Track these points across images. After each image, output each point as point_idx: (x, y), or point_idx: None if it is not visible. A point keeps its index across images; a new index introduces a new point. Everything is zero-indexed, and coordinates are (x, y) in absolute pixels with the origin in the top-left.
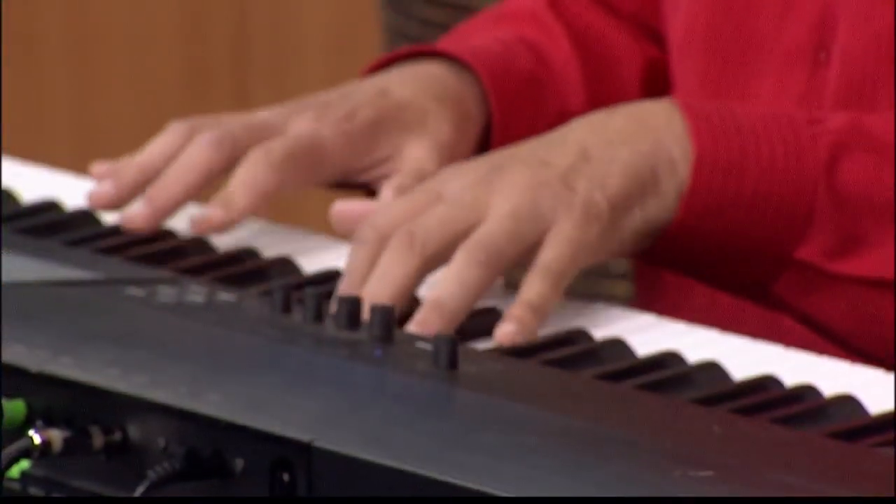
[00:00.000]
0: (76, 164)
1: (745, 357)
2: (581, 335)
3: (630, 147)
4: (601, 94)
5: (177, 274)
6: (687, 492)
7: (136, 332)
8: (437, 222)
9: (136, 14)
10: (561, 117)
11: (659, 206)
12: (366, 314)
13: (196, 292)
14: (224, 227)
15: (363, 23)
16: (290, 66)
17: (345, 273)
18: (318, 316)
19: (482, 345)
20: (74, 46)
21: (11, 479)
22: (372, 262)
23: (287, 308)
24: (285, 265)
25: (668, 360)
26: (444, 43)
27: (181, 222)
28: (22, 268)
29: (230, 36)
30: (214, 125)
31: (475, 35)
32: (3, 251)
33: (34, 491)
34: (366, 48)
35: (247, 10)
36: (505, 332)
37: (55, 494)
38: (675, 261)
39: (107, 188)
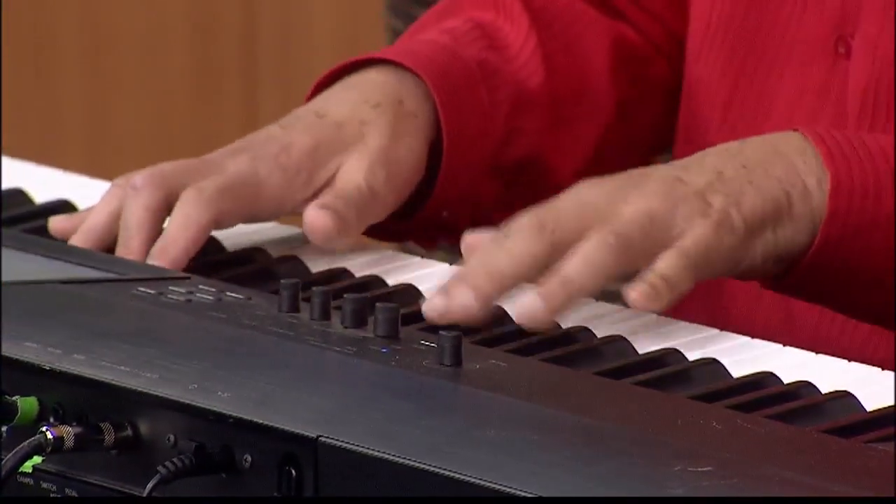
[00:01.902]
0: (89, 165)
1: (743, 354)
2: (583, 333)
3: (765, 171)
4: (563, 72)
5: (186, 273)
6: (686, 486)
7: (147, 330)
8: (568, 214)
9: (148, 18)
10: (518, 101)
11: (792, 231)
12: (484, 289)
13: (205, 291)
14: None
15: (369, 27)
16: (297, 69)
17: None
18: (325, 314)
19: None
20: (87, 50)
21: (24, 474)
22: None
23: (295, 306)
24: (293, 264)
25: (669, 357)
26: (398, 42)
27: None
28: (35, 267)
29: (239, 39)
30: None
31: (426, 28)
32: (17, 250)
33: (46, 486)
34: (371, 51)
35: (255, 14)
36: (640, 292)
37: (67, 489)
38: (811, 288)
39: None
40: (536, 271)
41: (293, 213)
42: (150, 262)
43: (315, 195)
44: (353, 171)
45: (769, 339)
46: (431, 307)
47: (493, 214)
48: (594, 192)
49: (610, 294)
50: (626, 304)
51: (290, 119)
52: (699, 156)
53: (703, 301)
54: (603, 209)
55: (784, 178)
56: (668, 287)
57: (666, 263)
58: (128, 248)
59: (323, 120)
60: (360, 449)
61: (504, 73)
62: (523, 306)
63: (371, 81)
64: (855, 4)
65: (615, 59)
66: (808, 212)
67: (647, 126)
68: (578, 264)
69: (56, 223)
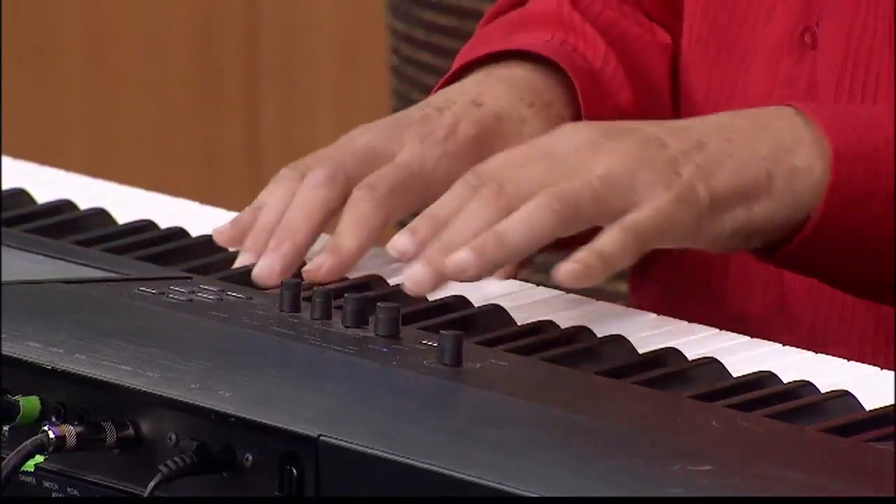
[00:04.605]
0: (91, 166)
1: (743, 354)
2: (583, 332)
3: (748, 147)
4: (642, 90)
5: (188, 273)
6: (686, 486)
7: (149, 330)
8: (530, 179)
9: (149, 18)
10: (618, 114)
11: (770, 209)
12: (424, 258)
13: (207, 290)
14: (338, 273)
15: (370, 27)
16: (298, 69)
17: (430, 209)
18: (326, 313)
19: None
20: (89, 50)
21: (26, 473)
22: (462, 206)
23: (296, 306)
24: None
25: (669, 356)
26: (480, 46)
27: (192, 222)
28: (37, 267)
29: (241, 40)
30: (322, 161)
31: (495, 41)
32: (18, 250)
33: (48, 485)
34: (372, 52)
35: (257, 15)
36: (565, 271)
37: (68, 489)
38: (810, 261)
39: (267, 266)
40: None
41: None
42: (320, 260)
43: None
44: None
45: (763, 335)
46: (406, 283)
47: None
48: (567, 142)
49: (610, 294)
50: (625, 305)
51: (440, 102)
52: (689, 122)
53: (695, 296)
54: (566, 164)
55: (769, 156)
56: (602, 264)
57: (606, 239)
58: (294, 240)
59: (481, 109)
60: (361, 448)
61: (603, 84)
62: (454, 260)
63: (520, 78)
64: None
65: (671, 76)
66: (791, 191)
67: None
68: (517, 224)
69: (220, 235)
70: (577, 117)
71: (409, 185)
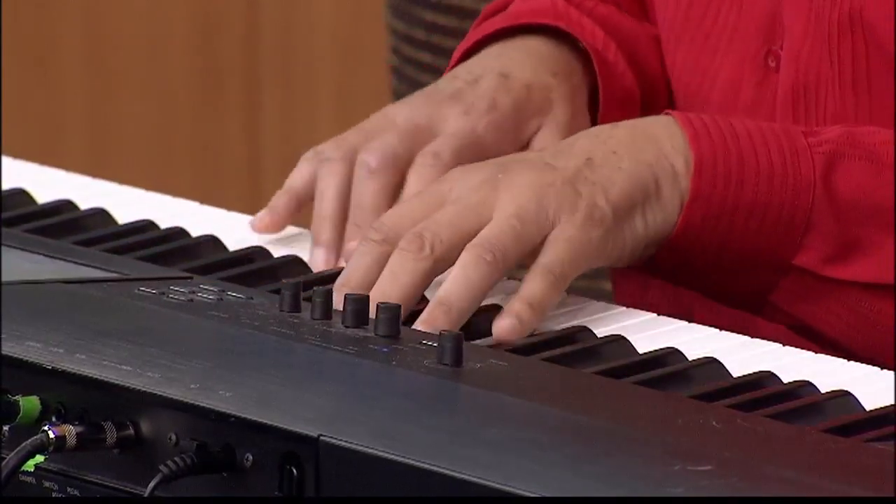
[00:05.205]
0: (91, 166)
1: (743, 354)
2: (583, 332)
3: (633, 156)
4: (641, 77)
5: (188, 273)
6: (686, 486)
7: (149, 330)
8: (445, 225)
9: (150, 18)
10: (623, 96)
11: (661, 215)
12: (373, 313)
13: (207, 290)
14: None
15: (370, 27)
16: (298, 69)
17: (348, 270)
18: (326, 313)
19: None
20: (89, 50)
21: (26, 473)
22: (378, 262)
23: (296, 306)
24: (294, 264)
25: (669, 356)
26: (477, 39)
27: (192, 222)
28: (37, 267)
29: (241, 40)
30: (366, 141)
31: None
32: (18, 250)
33: (48, 485)
34: (372, 52)
35: (257, 15)
36: (502, 327)
37: (68, 488)
38: (675, 271)
39: (321, 256)
40: (426, 287)
41: None
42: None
43: (521, 150)
44: (549, 143)
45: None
46: None
47: None
48: (462, 185)
49: (609, 294)
50: (625, 304)
51: (465, 75)
52: (570, 140)
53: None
54: (471, 204)
55: (654, 163)
56: (533, 310)
57: (531, 287)
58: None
59: (510, 81)
60: (362, 448)
61: (608, 67)
62: None
63: (537, 48)
64: (780, 18)
65: (663, 65)
66: (678, 195)
67: None
68: (458, 285)
69: (259, 222)
70: (593, 89)
71: (470, 152)
